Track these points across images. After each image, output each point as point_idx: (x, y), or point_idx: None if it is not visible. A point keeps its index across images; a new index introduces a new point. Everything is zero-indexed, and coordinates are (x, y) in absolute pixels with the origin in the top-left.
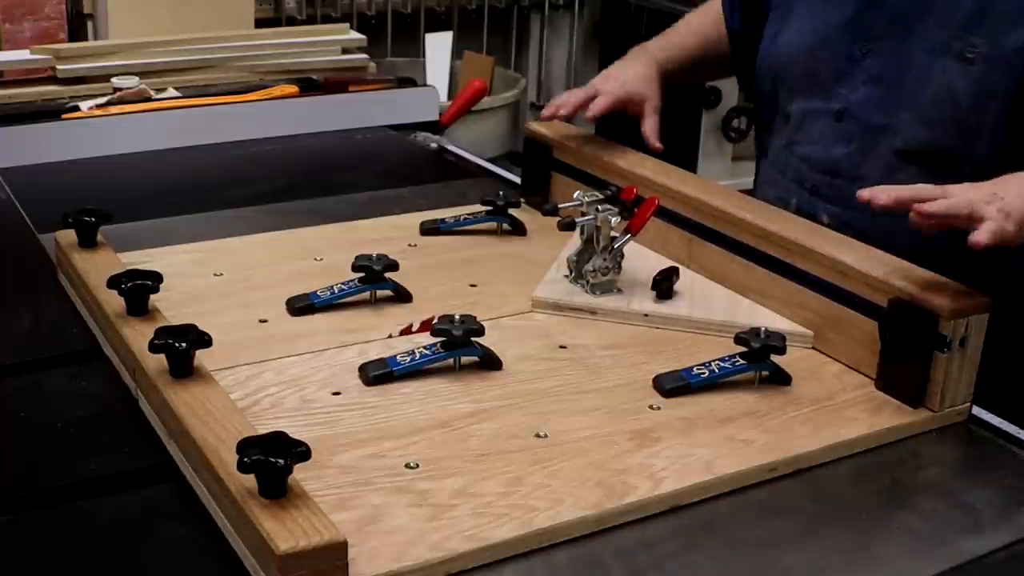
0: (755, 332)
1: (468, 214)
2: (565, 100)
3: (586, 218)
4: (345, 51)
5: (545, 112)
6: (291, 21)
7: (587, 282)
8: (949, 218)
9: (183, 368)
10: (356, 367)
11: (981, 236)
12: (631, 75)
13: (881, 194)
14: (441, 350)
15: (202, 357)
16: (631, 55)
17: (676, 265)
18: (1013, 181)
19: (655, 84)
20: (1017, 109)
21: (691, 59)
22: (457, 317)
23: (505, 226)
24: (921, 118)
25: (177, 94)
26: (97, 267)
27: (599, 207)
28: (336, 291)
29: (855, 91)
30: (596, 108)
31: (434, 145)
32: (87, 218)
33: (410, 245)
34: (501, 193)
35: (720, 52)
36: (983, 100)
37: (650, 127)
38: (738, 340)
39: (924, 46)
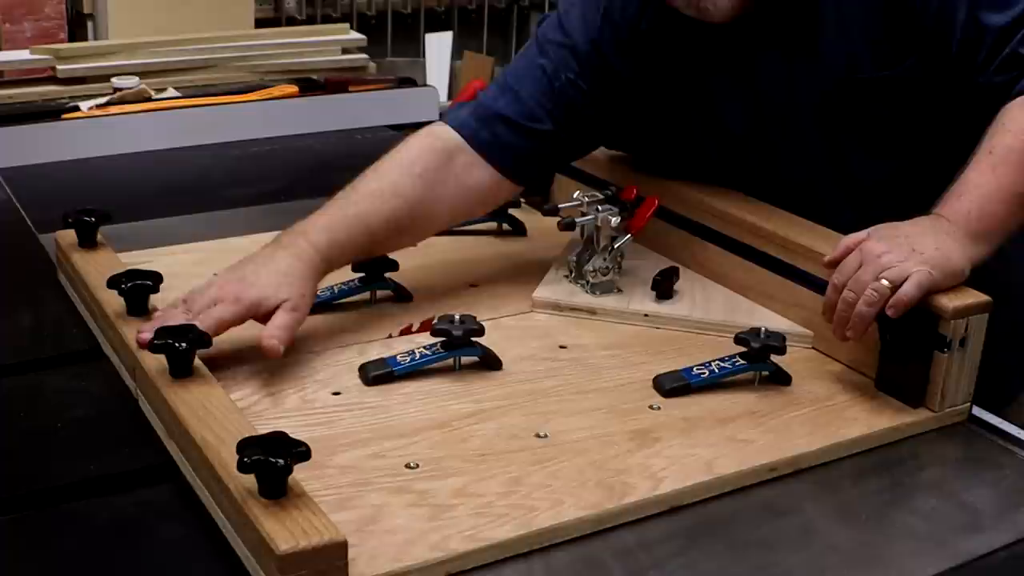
0: (755, 332)
1: None
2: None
3: (586, 218)
4: (345, 51)
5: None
6: (291, 21)
7: (587, 282)
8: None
9: (183, 368)
10: (356, 367)
11: (909, 288)
12: (269, 275)
13: (850, 332)
14: (441, 350)
15: (202, 357)
16: (280, 243)
17: (676, 265)
18: (929, 235)
19: (301, 281)
20: (945, 120)
21: (376, 233)
22: (457, 317)
23: (505, 226)
24: (876, 154)
25: (177, 94)
26: (97, 267)
27: (599, 207)
28: (336, 291)
29: (794, 167)
30: (207, 324)
31: None
32: (87, 218)
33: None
34: None
35: (440, 207)
36: (924, 116)
37: (274, 329)
38: (738, 340)
39: (837, 94)
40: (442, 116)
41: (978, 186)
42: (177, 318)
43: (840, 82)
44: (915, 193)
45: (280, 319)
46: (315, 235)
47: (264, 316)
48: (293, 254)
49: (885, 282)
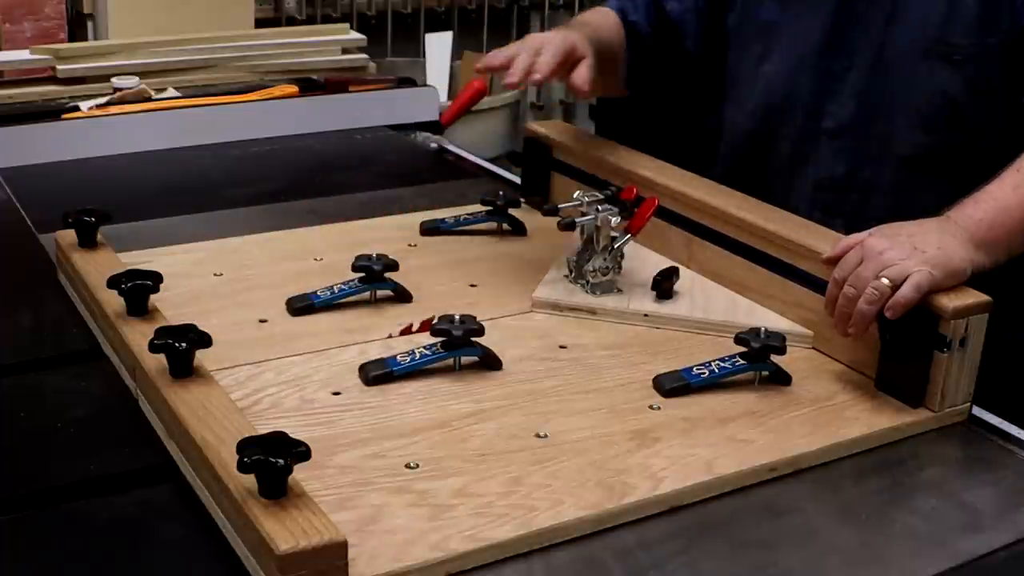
0: (755, 332)
1: (468, 214)
2: (514, 66)
3: (586, 218)
4: (345, 51)
5: (479, 65)
6: (291, 21)
7: (587, 282)
8: (908, 299)
9: (183, 368)
10: (356, 367)
11: (908, 291)
12: (569, 34)
13: (852, 329)
14: (441, 350)
15: (202, 357)
16: (570, 26)
17: (676, 265)
18: (932, 235)
19: (590, 46)
20: (1014, 99)
21: (609, 48)
22: (457, 317)
23: (505, 226)
24: (919, 124)
25: (177, 94)
26: (97, 267)
27: (599, 207)
28: (336, 291)
29: (843, 107)
30: (544, 68)
31: (434, 145)
32: (87, 218)
33: (410, 245)
34: (501, 193)
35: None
36: (979, 98)
37: (581, 73)
38: (738, 340)
39: (905, 54)
40: (441, 116)
41: (996, 199)
42: (517, 56)
43: (924, 39)
44: (939, 176)
45: (585, 68)
46: (589, 31)
47: (575, 62)
48: (578, 31)
49: (885, 280)
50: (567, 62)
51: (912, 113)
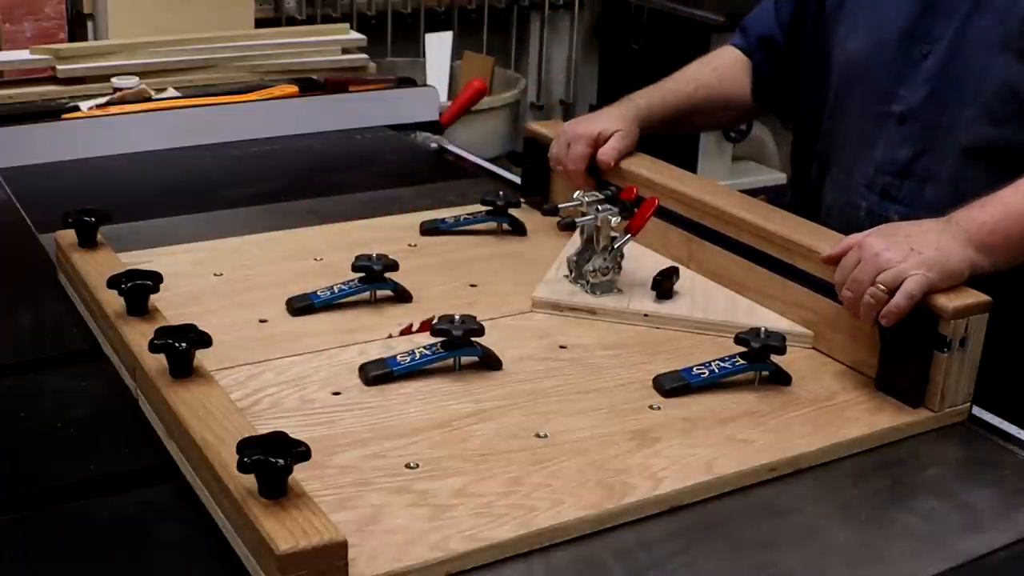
0: (755, 332)
1: (468, 214)
2: (565, 161)
3: (586, 218)
4: (345, 51)
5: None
6: (291, 21)
7: (587, 282)
8: (902, 305)
9: (183, 368)
10: (356, 367)
11: (900, 300)
12: (603, 115)
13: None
14: (441, 350)
15: (202, 357)
16: (618, 103)
17: (676, 265)
18: (931, 235)
19: (628, 123)
20: None
21: (677, 105)
22: (457, 317)
23: (505, 226)
24: (986, 116)
25: (177, 94)
26: (97, 267)
27: (599, 207)
28: (336, 291)
29: (915, 92)
30: (574, 163)
31: (434, 145)
32: (87, 218)
33: (410, 245)
34: (501, 193)
35: (720, 98)
36: None
37: (608, 148)
38: (738, 340)
39: (982, 45)
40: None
41: (1005, 204)
42: (568, 160)
43: (1002, 32)
44: (997, 170)
45: (614, 141)
46: (639, 99)
47: (604, 142)
48: (623, 106)
49: (882, 286)
50: (595, 148)
51: (980, 104)
